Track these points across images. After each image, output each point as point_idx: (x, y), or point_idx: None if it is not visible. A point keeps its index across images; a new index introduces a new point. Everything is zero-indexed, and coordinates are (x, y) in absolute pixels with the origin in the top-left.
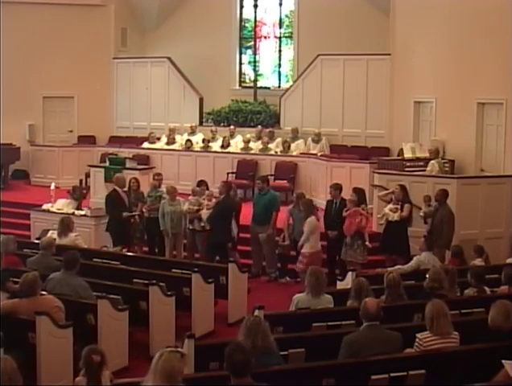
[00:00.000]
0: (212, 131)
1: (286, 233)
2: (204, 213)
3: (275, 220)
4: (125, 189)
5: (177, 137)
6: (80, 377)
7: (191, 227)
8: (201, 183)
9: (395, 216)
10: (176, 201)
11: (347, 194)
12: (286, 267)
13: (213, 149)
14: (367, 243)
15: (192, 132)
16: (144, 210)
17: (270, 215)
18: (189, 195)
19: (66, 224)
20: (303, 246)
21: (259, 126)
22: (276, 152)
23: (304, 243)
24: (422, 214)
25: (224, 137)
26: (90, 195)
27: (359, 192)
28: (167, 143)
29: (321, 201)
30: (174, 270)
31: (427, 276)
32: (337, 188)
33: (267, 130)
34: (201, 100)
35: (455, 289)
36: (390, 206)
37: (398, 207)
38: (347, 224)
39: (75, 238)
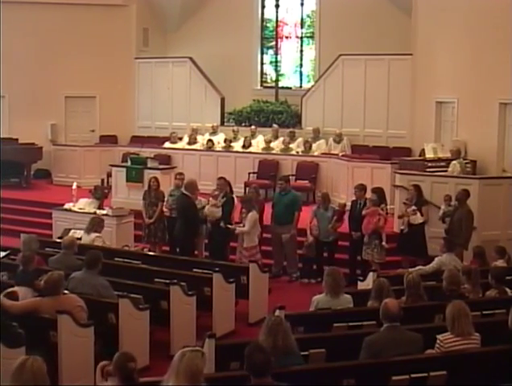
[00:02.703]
0: (233, 131)
1: (310, 234)
2: (210, 210)
3: (297, 221)
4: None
5: (199, 137)
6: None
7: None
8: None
9: (418, 218)
10: (198, 201)
11: (368, 194)
12: (309, 268)
13: (235, 150)
14: (384, 243)
15: (214, 132)
16: (165, 209)
17: (291, 215)
18: (210, 194)
19: (94, 224)
20: (244, 240)
21: (274, 125)
22: (297, 152)
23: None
24: (441, 213)
25: (245, 137)
26: (112, 195)
27: (378, 192)
28: (189, 143)
29: (343, 201)
30: (195, 270)
31: (444, 278)
32: (362, 189)
33: (288, 130)
34: (223, 100)
35: (478, 290)
36: (408, 209)
37: (416, 208)
38: (365, 223)
39: (94, 238)
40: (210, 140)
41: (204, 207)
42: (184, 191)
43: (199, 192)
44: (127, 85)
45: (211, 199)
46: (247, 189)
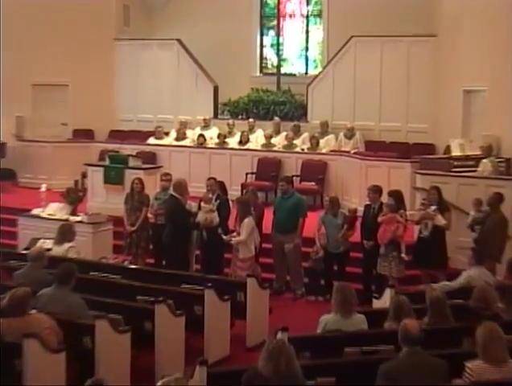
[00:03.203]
0: (228, 125)
1: (318, 243)
2: (205, 216)
3: (302, 228)
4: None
5: (188, 131)
6: None
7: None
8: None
9: (442, 220)
10: (188, 205)
11: (384, 198)
12: (316, 283)
13: (230, 146)
14: (403, 255)
15: (206, 126)
16: (150, 215)
17: (294, 221)
18: (201, 198)
19: (64, 232)
20: (240, 250)
21: (276, 118)
22: (302, 149)
23: (241, 245)
24: (470, 220)
25: (242, 132)
26: (87, 199)
27: (396, 196)
28: (177, 139)
29: (354, 206)
30: (184, 285)
31: (473, 295)
32: (376, 191)
33: (291, 124)
34: (216, 89)
35: None
36: (428, 210)
37: (437, 208)
38: (381, 232)
39: (68, 249)
40: (201, 135)
41: (196, 213)
42: (173, 193)
43: (189, 195)
44: (105, 71)
45: (202, 203)
46: (244, 191)
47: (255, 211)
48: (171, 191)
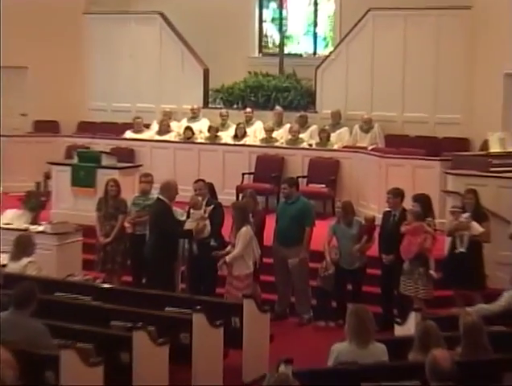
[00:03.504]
0: (221, 115)
1: (328, 258)
2: (194, 225)
3: (309, 239)
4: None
5: (173, 123)
6: None
7: (187, 248)
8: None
9: (478, 228)
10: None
11: (408, 203)
12: (327, 305)
13: (223, 141)
14: (431, 272)
15: (194, 117)
16: (127, 224)
17: (299, 231)
18: (188, 203)
19: (22, 245)
20: (234, 266)
21: (278, 107)
22: (310, 145)
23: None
24: None
25: (238, 124)
26: (51, 205)
27: (423, 201)
28: (159, 132)
29: (372, 213)
30: (168, 309)
31: None
32: (397, 195)
33: (297, 114)
34: (206, 73)
35: None
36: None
37: (469, 216)
38: (405, 244)
39: (27, 265)
40: (189, 128)
41: (184, 222)
42: (160, 196)
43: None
44: (72, 51)
45: (191, 210)
46: (240, 196)
47: (254, 219)
48: (157, 194)
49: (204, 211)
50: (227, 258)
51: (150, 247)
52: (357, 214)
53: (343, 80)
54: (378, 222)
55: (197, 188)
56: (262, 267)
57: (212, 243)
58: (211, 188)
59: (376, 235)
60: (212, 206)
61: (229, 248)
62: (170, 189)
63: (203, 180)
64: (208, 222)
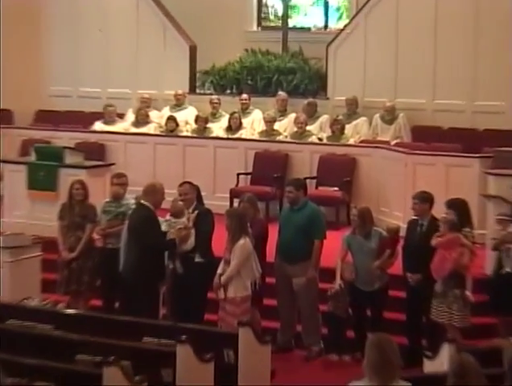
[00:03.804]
0: (211, 103)
1: (341, 278)
2: (178, 235)
3: (319, 254)
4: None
5: (152, 113)
6: None
7: (171, 267)
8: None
9: None
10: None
11: (440, 210)
12: (340, 335)
13: (214, 134)
14: (468, 293)
15: (178, 105)
16: (97, 236)
17: (307, 245)
18: (170, 210)
19: None
20: (228, 287)
21: (281, 93)
22: (320, 139)
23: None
24: None
25: (231, 114)
26: (3, 212)
27: (459, 207)
28: (136, 123)
29: (396, 222)
30: (146, 339)
31: None
32: (425, 200)
33: (305, 102)
34: (193, 51)
35: None
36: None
37: None
38: (437, 260)
39: None
40: (172, 118)
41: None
42: (143, 201)
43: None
44: (28, 26)
45: (171, 217)
46: (235, 201)
47: (254, 230)
48: (135, 198)
49: (188, 219)
50: (222, 278)
51: (130, 263)
52: (376, 223)
53: (360, 60)
54: (403, 233)
55: (183, 192)
56: (263, 288)
57: (197, 259)
58: (198, 192)
59: (400, 249)
60: (196, 212)
61: (221, 266)
62: (155, 193)
63: (190, 182)
64: (193, 232)
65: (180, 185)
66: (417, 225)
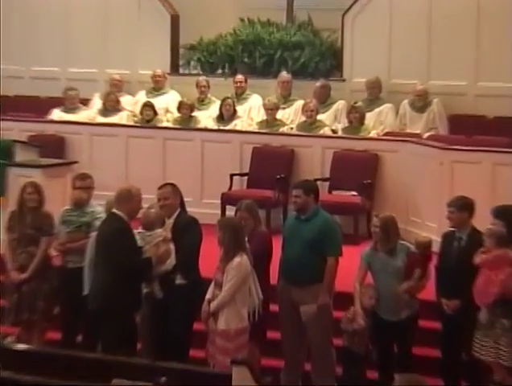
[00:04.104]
0: (199, 86)
1: (358, 305)
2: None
3: (333, 275)
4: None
5: (124, 98)
6: None
7: (146, 291)
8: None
9: None
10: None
11: (485, 220)
12: (359, 375)
13: (201, 125)
14: None
15: (157, 88)
16: (54, 252)
17: (319, 263)
18: (141, 219)
19: None
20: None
21: (284, 74)
22: (334, 131)
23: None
24: None
25: (224, 100)
26: None
27: (508, 216)
28: (104, 111)
29: (429, 234)
30: (116, 381)
31: None
32: (463, 207)
33: (316, 84)
34: (176, 21)
35: None
36: None
37: None
38: (481, 283)
39: None
40: (149, 105)
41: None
42: (116, 210)
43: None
44: None
45: (143, 230)
46: (228, 208)
47: (253, 244)
48: (109, 206)
49: (166, 231)
50: (212, 305)
51: (97, 287)
52: (404, 236)
53: (384, 33)
54: (436, 248)
55: (162, 196)
56: (265, 318)
57: (179, 280)
58: (181, 197)
59: (432, 268)
60: (176, 219)
61: (211, 290)
62: (131, 200)
63: (172, 184)
64: (172, 247)
65: (160, 187)
66: (454, 239)
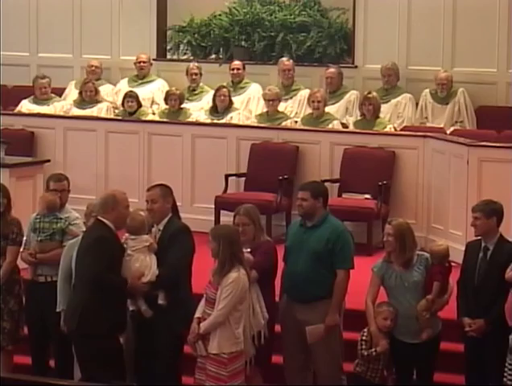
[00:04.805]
0: (189, 74)
1: (374, 325)
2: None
3: (344, 291)
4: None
5: (104, 87)
6: None
7: (132, 309)
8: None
9: None
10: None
11: None
12: None
13: (192, 119)
14: None
15: (141, 76)
16: (23, 264)
17: (327, 277)
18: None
19: None
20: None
21: (285, 59)
22: (345, 125)
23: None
24: None
25: (218, 90)
26: None
27: None
28: (81, 103)
29: (454, 244)
30: None
31: None
32: (490, 213)
33: (332, 70)
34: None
35: None
36: None
37: None
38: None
39: None
40: (132, 95)
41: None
42: (101, 217)
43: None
44: None
45: (128, 239)
46: (223, 214)
47: (257, 256)
48: (89, 209)
49: (152, 236)
50: (201, 326)
51: (74, 305)
52: (424, 246)
53: (402, 13)
54: (455, 257)
55: (150, 199)
56: (271, 340)
57: (161, 300)
58: (173, 200)
59: (453, 282)
60: (164, 226)
61: (201, 307)
62: (116, 206)
63: (164, 185)
64: (153, 259)
65: (149, 189)
66: (479, 249)
